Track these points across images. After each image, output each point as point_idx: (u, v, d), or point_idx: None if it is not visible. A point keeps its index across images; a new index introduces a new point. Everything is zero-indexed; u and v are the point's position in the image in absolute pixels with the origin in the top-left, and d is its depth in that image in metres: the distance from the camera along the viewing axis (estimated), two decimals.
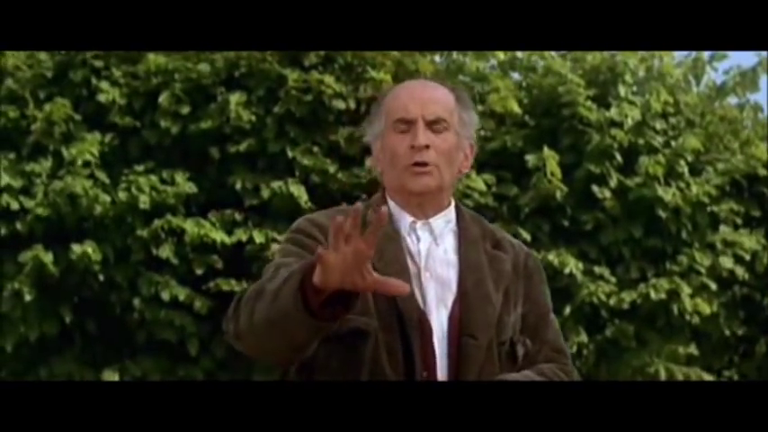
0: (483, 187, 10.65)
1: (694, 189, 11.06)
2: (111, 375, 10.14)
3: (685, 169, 11.09)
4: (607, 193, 10.92)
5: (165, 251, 10.15)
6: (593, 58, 11.43)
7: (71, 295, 10.30)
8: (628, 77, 11.26)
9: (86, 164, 10.24)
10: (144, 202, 10.11)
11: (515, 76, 11.82)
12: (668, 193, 10.89)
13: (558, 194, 10.73)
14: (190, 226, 10.12)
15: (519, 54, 11.76)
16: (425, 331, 3.00)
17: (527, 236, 10.63)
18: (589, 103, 11.04)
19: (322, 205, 9.47)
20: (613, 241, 10.99)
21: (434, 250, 3.09)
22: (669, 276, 10.89)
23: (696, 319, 10.90)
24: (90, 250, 9.97)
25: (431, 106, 3.09)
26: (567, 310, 10.68)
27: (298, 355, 2.92)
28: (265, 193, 10.27)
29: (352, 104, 10.45)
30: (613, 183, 10.93)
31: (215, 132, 10.44)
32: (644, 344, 10.92)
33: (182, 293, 10.13)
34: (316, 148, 10.41)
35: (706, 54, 12.03)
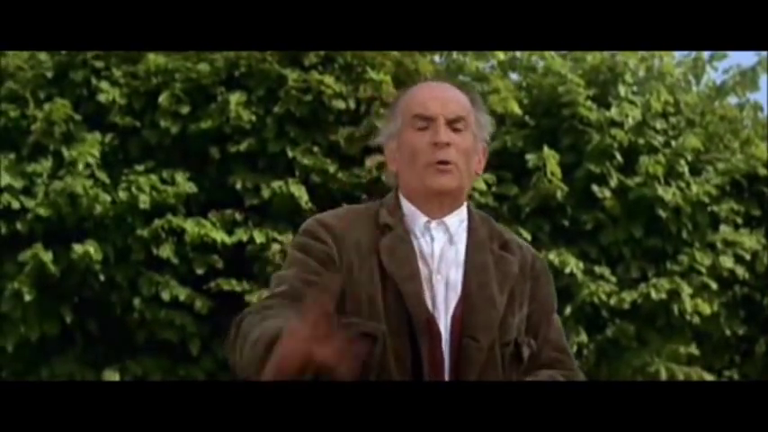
0: (483, 187, 10.66)
1: (694, 189, 11.06)
2: (111, 375, 10.14)
3: (685, 169, 11.09)
4: (607, 193, 10.92)
5: (166, 251, 10.15)
6: (593, 58, 11.44)
7: (71, 295, 10.30)
8: (628, 77, 11.26)
9: (87, 164, 10.24)
10: (144, 201, 10.11)
11: (515, 76, 11.82)
12: (668, 193, 10.89)
13: (559, 194, 10.73)
14: (190, 226, 10.13)
15: (519, 54, 11.77)
16: (434, 335, 2.99)
17: (527, 236, 10.62)
18: (589, 102, 11.04)
19: (322, 205, 9.50)
20: (614, 241, 10.99)
21: (447, 251, 3.08)
22: (669, 276, 10.88)
23: (696, 319, 10.90)
24: (91, 250, 9.97)
25: (451, 105, 3.09)
26: (568, 309, 10.68)
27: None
28: (266, 193, 10.27)
29: (352, 104, 10.46)
30: (614, 182, 10.93)
31: (215, 132, 10.44)
32: (644, 344, 10.92)
33: (182, 293, 10.13)
34: (316, 148, 10.41)
35: (706, 54, 12.03)
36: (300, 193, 10.24)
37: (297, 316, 2.74)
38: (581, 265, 10.69)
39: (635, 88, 11.35)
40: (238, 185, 10.37)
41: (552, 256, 10.56)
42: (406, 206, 3.09)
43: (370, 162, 10.19)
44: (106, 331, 10.45)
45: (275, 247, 10.08)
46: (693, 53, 12.02)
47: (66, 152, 10.27)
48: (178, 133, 10.47)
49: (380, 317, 2.97)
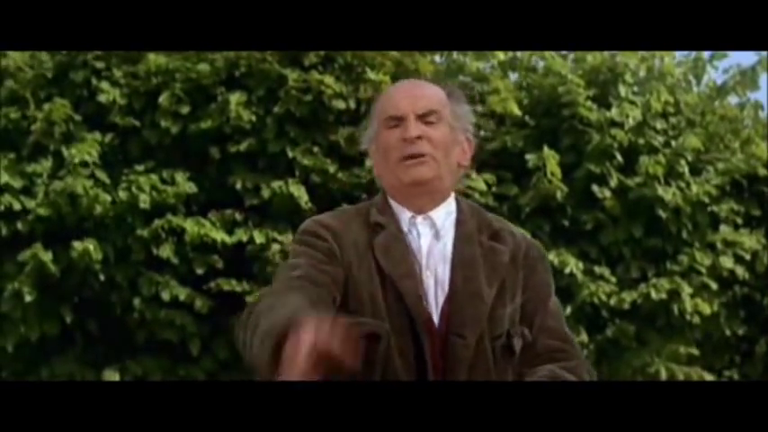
0: (483, 187, 10.66)
1: (694, 189, 11.06)
2: (111, 375, 10.14)
3: (686, 169, 11.09)
4: (607, 193, 10.92)
5: (166, 251, 10.15)
6: (593, 58, 11.43)
7: (72, 295, 10.30)
8: (628, 77, 11.26)
9: (87, 164, 10.24)
10: (144, 201, 10.11)
11: (515, 76, 11.82)
12: (668, 193, 10.89)
13: (559, 194, 10.73)
14: (190, 226, 10.13)
15: (519, 54, 11.77)
16: (433, 333, 3.00)
17: (527, 235, 10.61)
18: (589, 103, 11.04)
19: (322, 205, 9.50)
20: (614, 241, 10.99)
21: (434, 247, 3.07)
22: (669, 276, 10.89)
23: (697, 319, 10.90)
24: (91, 247, 9.97)
25: (421, 101, 3.08)
26: (568, 310, 10.68)
27: None
28: (266, 193, 10.27)
29: (352, 104, 10.46)
30: (614, 182, 10.93)
31: (215, 132, 10.44)
32: (644, 344, 10.92)
33: (182, 293, 10.13)
34: (316, 148, 10.41)
35: (706, 54, 12.04)
36: (300, 193, 10.24)
37: (319, 298, 2.82)
38: (581, 265, 10.69)
39: (635, 88, 11.35)
40: (238, 185, 10.37)
41: (552, 256, 10.56)
42: (394, 205, 3.10)
43: (371, 162, 10.19)
44: (106, 331, 10.46)
45: (275, 247, 10.08)
46: (694, 53, 12.03)
47: (66, 152, 10.27)
48: (178, 133, 10.47)
49: (383, 315, 2.97)
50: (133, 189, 10.16)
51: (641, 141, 11.09)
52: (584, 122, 11.00)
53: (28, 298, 9.98)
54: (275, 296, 2.93)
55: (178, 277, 10.23)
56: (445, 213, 3.10)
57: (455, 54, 11.79)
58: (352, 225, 3.06)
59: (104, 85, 10.49)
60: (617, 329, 10.83)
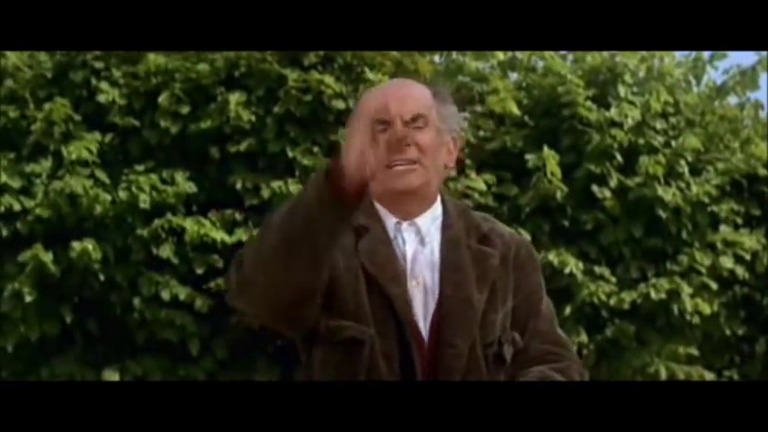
0: (483, 187, 10.66)
1: (694, 189, 11.06)
2: (111, 375, 10.14)
3: (685, 169, 11.09)
4: (607, 193, 10.92)
5: (166, 251, 10.15)
6: (592, 58, 11.43)
7: (71, 295, 10.30)
8: (627, 77, 11.26)
9: (86, 164, 10.24)
10: (144, 201, 10.11)
11: (515, 76, 11.82)
12: (668, 193, 10.89)
13: (559, 194, 10.73)
14: (190, 225, 10.13)
15: (519, 54, 11.76)
16: (419, 339, 2.95)
17: (527, 236, 10.62)
18: (589, 103, 11.04)
19: None
20: (613, 241, 10.98)
21: (420, 253, 3.01)
22: (669, 276, 10.88)
23: (696, 319, 10.90)
24: (90, 247, 9.97)
25: (407, 104, 3.02)
26: (568, 310, 10.68)
27: (314, 279, 2.83)
28: (265, 193, 10.27)
29: (352, 104, 10.44)
30: (613, 183, 10.93)
31: (215, 132, 10.44)
32: (644, 344, 10.92)
33: (182, 293, 10.13)
34: (316, 148, 10.41)
35: (706, 54, 12.03)
36: None
37: None
38: (581, 265, 10.69)
39: (635, 89, 11.35)
40: (238, 185, 10.37)
41: (552, 256, 10.57)
42: (379, 209, 3.04)
43: None
44: (106, 331, 10.46)
45: None
46: (693, 53, 12.02)
47: (65, 152, 10.27)
48: (178, 133, 10.47)
49: (368, 318, 2.92)
50: (133, 189, 10.16)
51: (641, 141, 11.09)
52: (583, 122, 11.00)
53: (28, 298, 9.98)
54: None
55: (178, 277, 10.23)
56: (431, 218, 3.05)
57: (454, 54, 11.79)
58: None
59: (104, 85, 10.49)
60: (617, 329, 10.83)
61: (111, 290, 10.27)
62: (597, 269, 10.87)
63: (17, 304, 10.04)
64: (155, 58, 10.55)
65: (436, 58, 11.68)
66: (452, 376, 2.92)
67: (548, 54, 11.45)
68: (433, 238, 3.04)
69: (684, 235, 11.10)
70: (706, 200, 11.09)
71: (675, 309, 10.77)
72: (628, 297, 10.75)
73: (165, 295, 10.13)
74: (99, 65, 10.56)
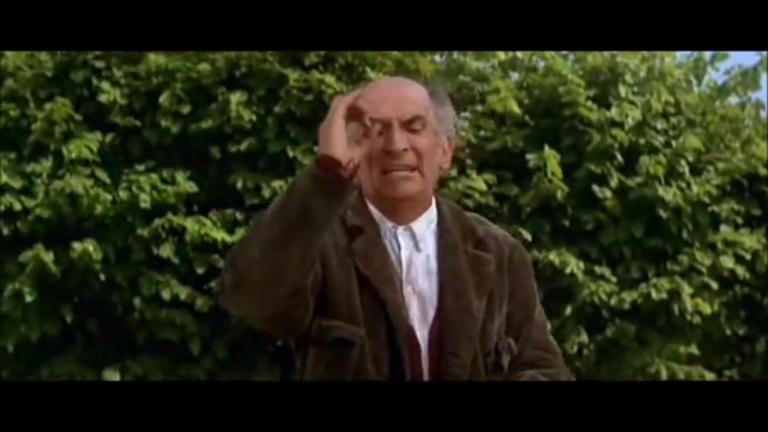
0: (484, 187, 10.66)
1: (695, 189, 11.06)
2: (112, 375, 10.14)
3: (686, 169, 11.09)
4: (608, 193, 10.91)
5: (166, 250, 10.15)
6: (593, 58, 11.43)
7: (72, 295, 10.30)
8: (628, 77, 11.26)
9: (87, 163, 10.25)
10: (145, 201, 10.11)
11: (516, 76, 11.82)
12: (669, 193, 10.89)
13: (559, 194, 10.73)
14: (191, 225, 10.13)
15: (519, 54, 11.76)
16: (414, 347, 2.91)
17: (528, 236, 10.63)
18: (590, 103, 11.04)
19: None
20: (614, 241, 10.98)
21: (416, 258, 2.97)
22: (670, 276, 10.88)
23: (697, 319, 10.89)
24: (91, 248, 9.97)
25: (405, 105, 2.96)
26: (568, 309, 10.68)
27: (307, 270, 2.80)
28: (266, 193, 10.27)
29: None
30: (614, 182, 10.93)
31: (216, 132, 10.44)
32: (645, 344, 10.92)
33: (183, 293, 10.14)
34: (316, 148, 10.40)
35: (707, 54, 12.03)
36: None
37: None
38: (581, 265, 10.69)
39: (635, 89, 11.35)
40: (239, 185, 10.37)
41: (553, 256, 10.57)
42: (373, 210, 2.99)
43: None
44: (106, 331, 10.46)
45: None
46: (695, 54, 12.02)
47: (66, 152, 10.27)
48: (179, 133, 10.47)
49: (359, 320, 2.89)
50: (133, 189, 10.16)
51: (642, 141, 11.09)
52: (584, 122, 11.00)
53: (28, 298, 9.98)
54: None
55: (178, 277, 10.23)
56: (426, 222, 3.01)
57: (455, 54, 11.79)
58: (333, 226, 2.93)
59: (105, 84, 10.49)
60: (617, 329, 10.83)
61: (112, 290, 10.28)
62: (598, 269, 10.87)
63: (18, 304, 10.04)
64: (155, 58, 10.55)
65: (437, 57, 11.68)
66: None
67: (548, 54, 11.44)
68: (428, 244, 3.00)
69: (685, 235, 11.10)
70: (706, 200, 11.09)
71: (676, 309, 10.77)
72: (628, 297, 10.75)
73: (166, 295, 10.13)
74: (100, 64, 10.56)
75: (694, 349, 11.08)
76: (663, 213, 10.94)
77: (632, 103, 11.16)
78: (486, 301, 2.98)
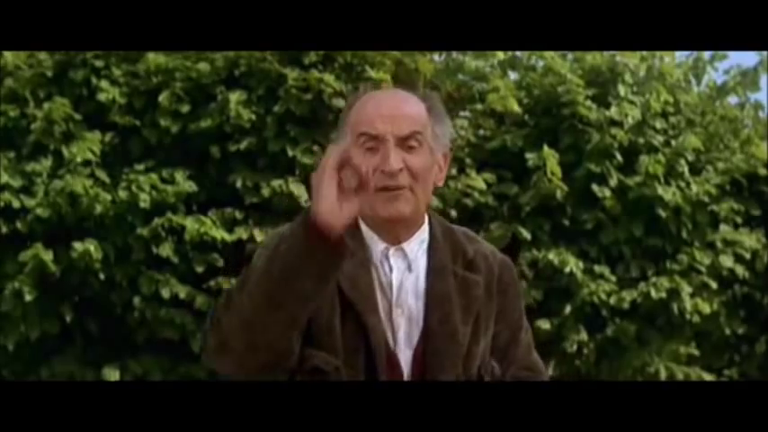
0: (483, 186, 10.66)
1: (694, 188, 11.06)
2: (112, 374, 10.14)
3: (685, 168, 11.09)
4: (607, 193, 10.91)
5: (166, 249, 10.15)
6: (592, 57, 11.43)
7: (72, 294, 10.30)
8: (628, 77, 11.26)
9: (86, 163, 10.25)
10: (144, 200, 10.11)
11: (515, 75, 11.82)
12: (668, 193, 10.89)
13: (559, 193, 10.73)
14: (190, 224, 10.13)
15: (519, 53, 11.76)
16: (396, 371, 2.87)
17: (527, 235, 10.63)
18: (589, 102, 11.04)
19: None
20: (614, 240, 10.98)
21: (406, 280, 2.90)
22: (669, 275, 10.88)
23: (696, 318, 10.90)
24: (91, 248, 9.97)
25: (402, 121, 2.86)
26: (568, 309, 10.69)
27: (293, 336, 2.74)
28: (266, 192, 10.27)
29: None
30: (613, 182, 10.93)
31: (215, 131, 10.44)
32: (644, 343, 10.92)
33: (182, 292, 10.14)
34: (316, 147, 10.41)
35: (706, 54, 12.02)
36: (300, 191, 10.24)
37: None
38: (581, 264, 10.69)
39: (635, 88, 11.35)
40: (238, 184, 10.37)
41: (552, 255, 10.57)
42: (365, 230, 2.91)
43: None
44: (106, 330, 10.46)
45: None
46: (694, 54, 12.01)
47: (65, 151, 10.27)
48: (178, 132, 10.47)
49: (338, 347, 2.82)
50: (133, 188, 10.16)
51: (641, 141, 11.09)
52: (583, 122, 10.99)
53: (28, 297, 9.98)
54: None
55: (178, 276, 10.23)
56: (418, 243, 2.94)
57: (455, 53, 11.79)
58: None
59: (104, 83, 10.49)
60: (617, 328, 10.83)
61: (112, 289, 10.28)
62: (597, 268, 10.87)
63: (17, 303, 10.04)
64: (155, 57, 10.55)
65: (436, 56, 11.67)
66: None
67: (548, 53, 11.44)
68: (419, 264, 2.93)
69: (684, 234, 11.10)
70: (706, 199, 11.09)
71: (675, 308, 10.78)
72: (628, 296, 10.75)
73: (165, 294, 10.13)
74: (99, 63, 10.56)
75: (694, 349, 11.08)
76: (662, 213, 10.94)
77: (632, 102, 11.16)
78: (473, 325, 2.92)
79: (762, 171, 11.31)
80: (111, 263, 10.18)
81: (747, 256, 11.17)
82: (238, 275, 2.89)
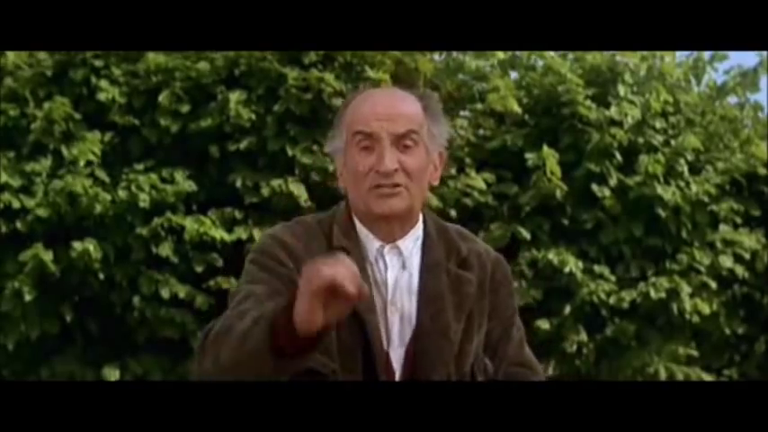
0: (483, 186, 10.66)
1: (694, 188, 11.06)
2: (112, 374, 10.14)
3: (685, 168, 11.09)
4: (607, 192, 10.92)
5: (165, 249, 10.15)
6: (592, 57, 11.43)
7: (71, 294, 10.30)
8: (627, 77, 11.26)
9: (86, 163, 10.25)
10: (144, 200, 10.11)
11: (515, 74, 11.82)
12: (668, 192, 10.89)
13: (558, 193, 10.73)
14: (190, 224, 10.13)
15: (519, 53, 11.76)
16: (390, 373, 2.87)
17: (527, 235, 10.63)
18: (589, 102, 11.04)
19: (321, 203, 9.50)
20: (613, 240, 10.98)
21: (401, 278, 2.91)
22: (669, 275, 10.88)
23: (696, 318, 10.90)
24: (91, 248, 9.97)
25: (398, 120, 2.87)
26: (567, 309, 10.68)
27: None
28: (265, 191, 10.27)
29: None
30: (613, 182, 10.93)
31: (215, 131, 10.44)
32: (644, 343, 10.92)
33: (182, 291, 10.14)
34: (315, 147, 10.41)
35: (706, 54, 12.02)
36: (300, 191, 10.24)
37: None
38: (580, 264, 10.69)
39: (635, 88, 11.35)
40: (238, 184, 10.37)
41: (552, 255, 10.57)
42: (360, 228, 2.92)
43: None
44: (106, 330, 10.46)
45: None
46: (694, 54, 12.01)
47: (65, 151, 10.27)
48: (178, 132, 10.47)
49: (332, 352, 2.82)
50: (133, 188, 10.16)
51: (641, 140, 11.09)
52: (583, 121, 11.00)
53: (28, 297, 9.98)
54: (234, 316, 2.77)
55: (178, 275, 10.24)
56: (413, 240, 2.94)
57: (455, 53, 11.79)
58: (313, 245, 2.88)
59: (104, 83, 10.49)
60: (617, 328, 10.83)
61: (112, 289, 10.28)
62: (597, 268, 10.87)
63: (17, 303, 10.05)
64: (155, 57, 10.55)
65: (436, 56, 11.67)
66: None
67: (548, 53, 11.44)
68: (413, 262, 2.93)
69: (684, 234, 11.10)
70: (706, 199, 11.09)
71: (675, 308, 10.78)
72: (627, 296, 10.75)
73: (165, 294, 10.14)
74: (99, 63, 10.56)
75: (693, 349, 11.08)
76: (662, 212, 10.94)
77: (631, 102, 11.16)
78: (465, 323, 2.92)
79: (762, 171, 11.31)
80: (110, 263, 10.18)
81: (747, 256, 11.17)
82: (229, 298, 2.90)
